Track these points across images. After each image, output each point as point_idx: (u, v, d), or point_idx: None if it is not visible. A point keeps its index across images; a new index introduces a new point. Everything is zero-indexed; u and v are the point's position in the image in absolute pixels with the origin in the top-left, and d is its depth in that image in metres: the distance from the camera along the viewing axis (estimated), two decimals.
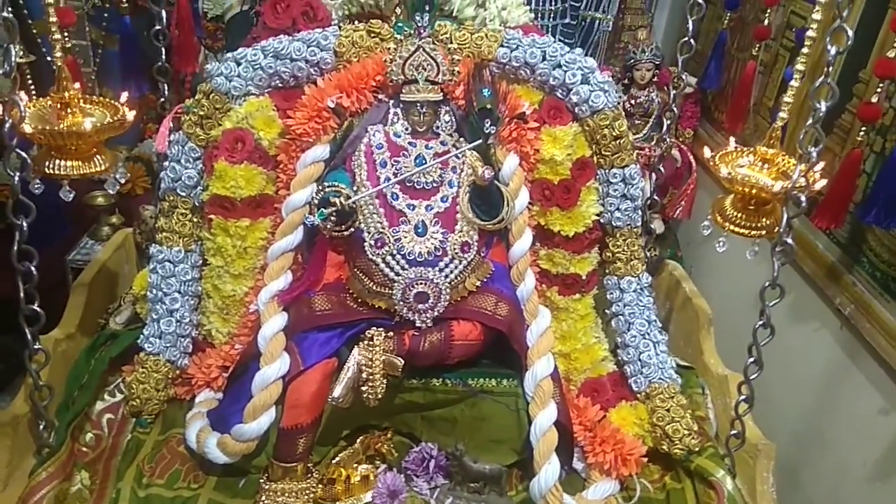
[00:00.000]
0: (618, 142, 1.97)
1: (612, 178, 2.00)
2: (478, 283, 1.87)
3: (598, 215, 1.98)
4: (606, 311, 2.12)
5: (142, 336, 2.01)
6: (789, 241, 1.60)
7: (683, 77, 2.11)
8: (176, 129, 2.02)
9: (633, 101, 3.25)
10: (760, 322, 1.68)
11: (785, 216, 1.59)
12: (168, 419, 1.99)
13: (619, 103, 1.98)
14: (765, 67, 3.09)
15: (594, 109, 1.92)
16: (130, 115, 1.64)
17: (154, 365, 1.94)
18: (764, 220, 1.68)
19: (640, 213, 2.05)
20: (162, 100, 2.16)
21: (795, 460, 2.48)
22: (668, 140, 2.19)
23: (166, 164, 2.01)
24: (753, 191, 1.62)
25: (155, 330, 1.97)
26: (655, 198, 2.19)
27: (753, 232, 1.67)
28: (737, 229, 1.67)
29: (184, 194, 1.98)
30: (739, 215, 1.68)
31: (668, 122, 2.19)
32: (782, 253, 1.62)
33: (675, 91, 2.13)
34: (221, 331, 2.04)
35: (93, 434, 1.92)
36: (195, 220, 2.02)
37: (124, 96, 1.73)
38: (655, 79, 3.29)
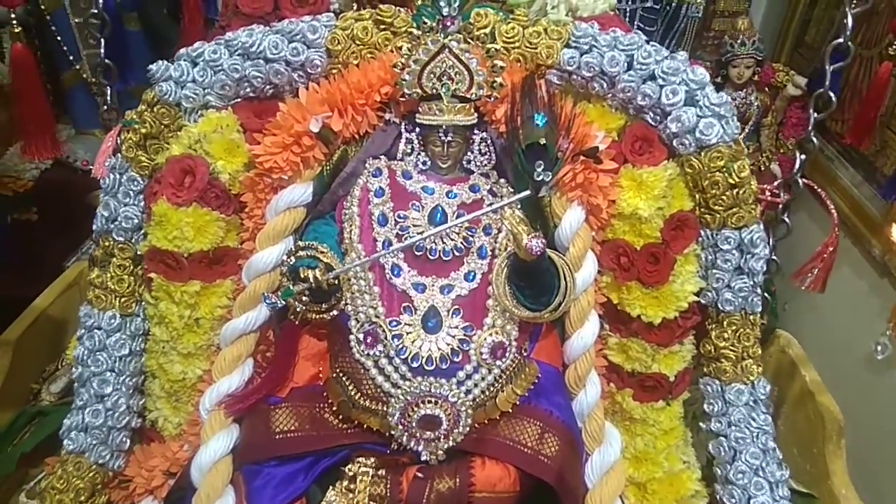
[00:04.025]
0: (735, 192, 1.31)
1: (722, 242, 1.36)
2: (515, 400, 1.20)
3: (697, 294, 1.37)
4: (702, 423, 1.44)
5: (63, 428, 1.45)
6: None
7: (829, 95, 1.37)
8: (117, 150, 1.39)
9: None
10: None
11: None
12: None
13: (738, 135, 1.25)
14: None
15: (703, 144, 1.27)
16: None
17: (76, 468, 1.43)
18: None
19: (759, 293, 1.33)
20: (104, 108, 1.51)
21: None
22: (800, 183, 1.45)
23: (101, 196, 1.40)
24: None
25: (79, 421, 1.43)
26: (775, 258, 1.45)
27: None
28: None
29: (121, 239, 1.43)
30: None
31: (803, 156, 1.44)
32: None
33: (814, 115, 1.38)
34: (171, 420, 1.48)
35: None
36: (139, 272, 1.45)
37: None
38: (756, 77, 2.57)
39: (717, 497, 1.42)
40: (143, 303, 1.44)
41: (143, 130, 1.37)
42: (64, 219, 2.76)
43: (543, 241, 1.13)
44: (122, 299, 1.43)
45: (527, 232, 1.13)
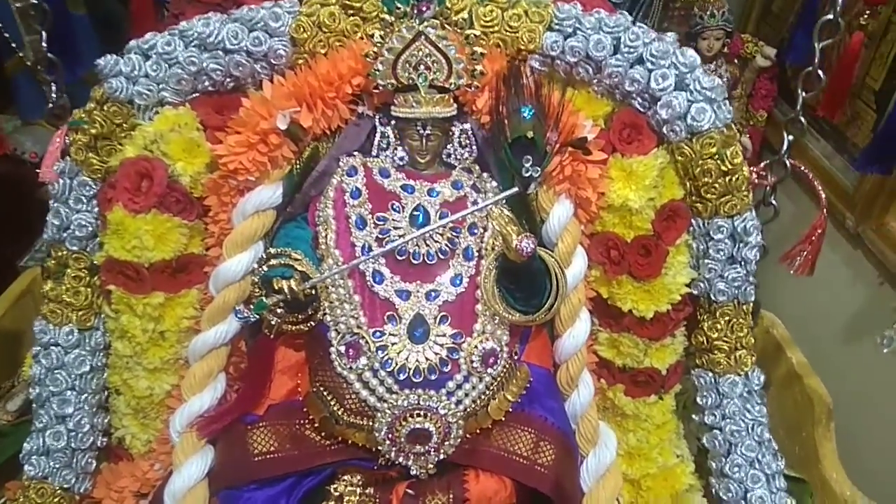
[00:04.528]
0: (727, 179, 1.24)
1: (714, 231, 1.29)
2: (507, 407, 1.13)
3: (688, 285, 1.31)
4: (694, 416, 1.39)
5: (23, 452, 1.34)
6: None
7: (818, 74, 1.31)
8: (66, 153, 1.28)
9: None
10: None
11: None
12: None
13: (731, 119, 1.18)
14: (870, 40, 2.27)
15: (695, 130, 1.21)
16: None
17: (39, 495, 1.33)
18: None
19: (751, 282, 1.28)
20: (50, 105, 1.39)
21: None
22: (787, 164, 1.40)
23: (51, 203, 1.29)
24: None
25: (39, 445, 1.33)
26: (764, 244, 1.40)
27: None
28: None
29: (75, 248, 1.31)
30: None
31: (790, 138, 1.39)
32: None
33: (804, 93, 1.33)
34: (140, 437, 1.38)
35: None
36: (96, 283, 1.33)
37: None
38: (725, 49, 2.53)
39: (713, 490, 1.37)
40: (103, 315, 1.34)
41: (93, 131, 1.24)
42: (15, 215, 2.59)
43: (534, 240, 1.05)
44: (80, 313, 1.31)
45: (516, 232, 1.05)
